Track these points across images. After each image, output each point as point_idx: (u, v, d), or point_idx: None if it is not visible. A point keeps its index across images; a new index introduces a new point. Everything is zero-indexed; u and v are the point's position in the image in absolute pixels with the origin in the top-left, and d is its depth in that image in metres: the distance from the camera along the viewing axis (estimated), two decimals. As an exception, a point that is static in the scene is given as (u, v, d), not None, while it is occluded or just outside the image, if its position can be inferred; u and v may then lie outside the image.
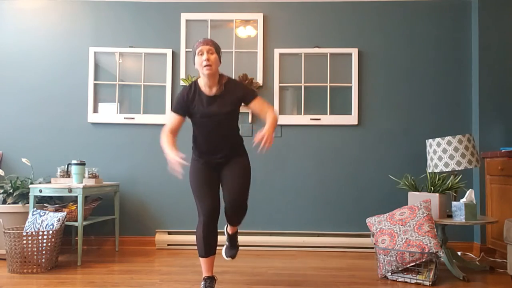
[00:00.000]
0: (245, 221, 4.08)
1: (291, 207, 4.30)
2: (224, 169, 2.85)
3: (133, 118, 4.35)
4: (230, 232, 3.14)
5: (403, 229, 3.14)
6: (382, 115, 4.32)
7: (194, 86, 2.76)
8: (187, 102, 2.73)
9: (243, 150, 2.94)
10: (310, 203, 4.30)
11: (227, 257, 3.18)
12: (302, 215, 4.30)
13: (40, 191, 3.63)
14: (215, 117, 2.71)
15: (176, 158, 2.56)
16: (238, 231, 4.13)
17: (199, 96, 2.73)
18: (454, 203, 3.34)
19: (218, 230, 2.79)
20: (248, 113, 4.30)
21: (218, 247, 2.84)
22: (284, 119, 4.30)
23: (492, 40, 4.16)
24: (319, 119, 4.29)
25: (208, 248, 2.71)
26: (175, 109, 2.77)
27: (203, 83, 2.75)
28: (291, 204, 4.31)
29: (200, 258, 2.76)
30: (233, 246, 3.19)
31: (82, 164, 3.77)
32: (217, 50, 2.71)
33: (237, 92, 2.75)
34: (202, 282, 2.76)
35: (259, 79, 4.33)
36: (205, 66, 2.64)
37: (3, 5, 4.44)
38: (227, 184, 2.79)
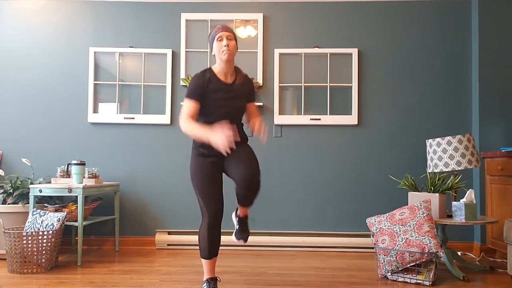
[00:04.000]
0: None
1: (291, 207, 4.30)
2: (228, 157, 2.71)
3: (133, 118, 4.35)
4: (241, 215, 2.92)
5: (403, 229, 3.14)
6: (382, 115, 4.32)
7: (208, 72, 2.72)
8: (203, 88, 2.68)
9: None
10: (310, 203, 4.30)
11: (238, 239, 2.95)
12: (302, 215, 4.30)
13: (40, 191, 3.63)
14: (233, 101, 2.72)
15: (226, 132, 2.41)
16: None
17: (214, 82, 2.70)
18: (454, 203, 3.33)
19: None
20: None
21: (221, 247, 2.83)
22: (284, 119, 4.30)
23: (492, 40, 4.16)
24: (319, 119, 4.29)
25: (212, 249, 2.69)
26: (193, 96, 2.68)
27: (219, 69, 2.73)
28: (291, 204, 4.31)
29: (203, 260, 2.72)
30: (244, 229, 2.95)
31: (82, 164, 3.77)
32: (235, 38, 2.76)
33: (249, 86, 2.86)
34: (205, 284, 2.69)
35: (259, 79, 4.33)
36: (224, 51, 2.64)
37: (3, 5, 4.44)
38: (237, 163, 2.65)
